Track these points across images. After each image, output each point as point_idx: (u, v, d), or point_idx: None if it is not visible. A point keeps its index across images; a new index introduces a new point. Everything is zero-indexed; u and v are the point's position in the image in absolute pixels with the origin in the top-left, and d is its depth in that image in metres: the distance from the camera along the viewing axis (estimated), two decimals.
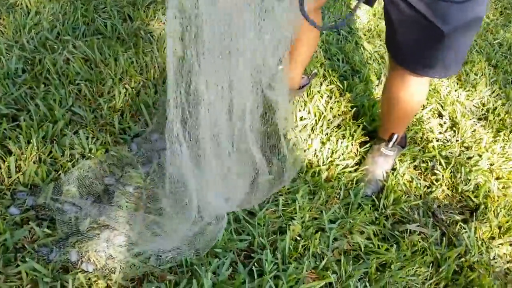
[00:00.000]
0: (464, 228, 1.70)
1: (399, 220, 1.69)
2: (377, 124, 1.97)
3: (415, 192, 1.81)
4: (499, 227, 1.75)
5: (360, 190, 1.69)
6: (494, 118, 2.27)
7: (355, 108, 2.05)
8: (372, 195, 1.73)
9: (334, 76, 2.21)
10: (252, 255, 1.40)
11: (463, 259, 1.58)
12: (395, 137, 1.78)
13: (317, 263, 1.44)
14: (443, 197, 1.84)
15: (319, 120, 1.92)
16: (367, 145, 1.90)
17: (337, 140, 1.86)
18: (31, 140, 1.45)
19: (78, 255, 1.23)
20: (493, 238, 1.72)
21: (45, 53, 1.82)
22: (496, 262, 1.62)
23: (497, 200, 1.83)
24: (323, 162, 1.76)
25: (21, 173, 1.38)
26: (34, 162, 1.42)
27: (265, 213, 1.50)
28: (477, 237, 1.69)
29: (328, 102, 2.04)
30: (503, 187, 1.95)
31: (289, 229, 1.47)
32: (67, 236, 1.27)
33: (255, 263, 1.38)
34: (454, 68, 1.50)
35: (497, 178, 1.98)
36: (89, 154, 1.51)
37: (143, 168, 1.52)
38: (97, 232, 1.31)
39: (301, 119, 1.91)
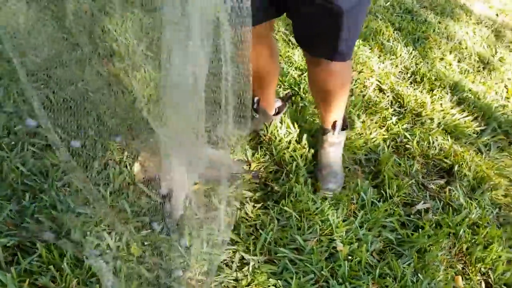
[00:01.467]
0: (453, 190, 1.94)
1: (405, 203, 1.86)
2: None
3: (401, 171, 2.00)
4: (474, 179, 2.03)
5: (368, 189, 1.82)
6: (422, 79, 2.56)
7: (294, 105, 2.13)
8: (338, 188, 1.79)
9: None
10: None
11: (467, 219, 1.82)
12: (338, 125, 1.80)
13: (373, 273, 1.55)
14: (421, 167, 2.07)
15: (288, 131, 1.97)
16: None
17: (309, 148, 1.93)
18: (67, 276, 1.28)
19: None
20: (473, 190, 2.00)
21: None
22: (488, 211, 1.90)
23: (462, 155, 2.11)
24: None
25: None
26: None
27: (312, 245, 1.55)
28: (462, 194, 1.95)
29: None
30: (456, 139, 2.25)
31: (339, 252, 1.55)
32: None
33: None
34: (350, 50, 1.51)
35: (449, 133, 2.27)
36: (124, 255, 1.38)
37: (180, 245, 1.45)
38: None
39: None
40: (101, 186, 1.54)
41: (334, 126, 1.80)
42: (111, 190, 1.54)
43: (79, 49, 2.00)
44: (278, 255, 1.50)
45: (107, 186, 1.55)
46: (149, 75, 1.97)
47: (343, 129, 1.85)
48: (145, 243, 1.43)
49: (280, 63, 2.36)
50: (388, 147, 2.09)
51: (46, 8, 2.20)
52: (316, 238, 1.59)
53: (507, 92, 2.75)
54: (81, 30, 2.12)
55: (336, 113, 1.78)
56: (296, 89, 2.23)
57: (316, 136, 1.92)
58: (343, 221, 1.68)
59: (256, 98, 1.85)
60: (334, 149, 1.85)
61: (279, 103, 1.98)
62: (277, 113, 1.96)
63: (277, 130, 1.94)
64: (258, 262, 1.48)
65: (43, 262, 1.30)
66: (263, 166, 1.81)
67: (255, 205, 1.64)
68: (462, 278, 1.64)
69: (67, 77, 1.87)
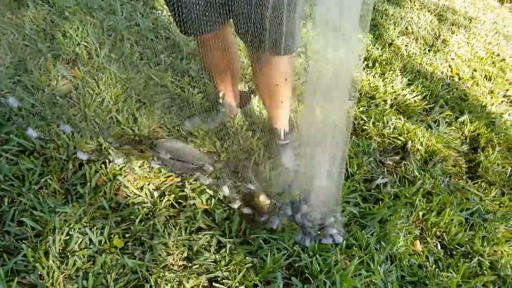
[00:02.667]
0: (407, 164, 2.11)
1: (366, 179, 2.01)
2: None
3: (360, 151, 2.14)
4: (426, 152, 2.21)
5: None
6: (374, 64, 2.72)
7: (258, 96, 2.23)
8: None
9: None
10: (296, 264, 1.57)
11: (421, 189, 1.99)
12: (282, 131, 1.90)
13: (340, 244, 1.68)
14: (378, 145, 2.23)
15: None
16: None
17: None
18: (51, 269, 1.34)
19: None
20: (426, 162, 2.18)
21: None
22: (439, 181, 2.08)
23: (414, 132, 2.28)
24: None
25: None
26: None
27: (282, 223, 1.66)
28: (416, 167, 2.12)
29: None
30: (408, 118, 2.42)
31: None
32: None
33: (304, 270, 1.56)
34: (298, 39, 1.59)
35: (401, 113, 2.44)
36: (106, 248, 1.45)
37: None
38: None
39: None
40: (78, 186, 1.60)
41: (279, 132, 1.89)
42: (88, 189, 1.60)
43: (42, 55, 2.04)
44: (252, 236, 1.61)
45: (84, 185, 1.61)
46: (115, 77, 2.03)
47: (290, 131, 1.93)
48: (126, 235, 1.51)
49: (240, 57, 2.46)
50: (347, 129, 2.23)
51: (3, 16, 2.22)
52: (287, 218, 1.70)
53: (451, 71, 2.97)
54: (42, 36, 2.15)
55: (283, 110, 1.85)
56: None
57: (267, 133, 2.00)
58: None
59: (221, 93, 1.94)
60: (283, 149, 1.94)
61: (244, 96, 2.08)
62: (243, 105, 2.06)
63: (243, 121, 2.04)
64: (235, 244, 1.58)
65: (28, 261, 1.35)
66: (232, 155, 1.91)
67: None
68: (420, 242, 1.81)
69: (33, 83, 1.90)
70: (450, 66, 3.02)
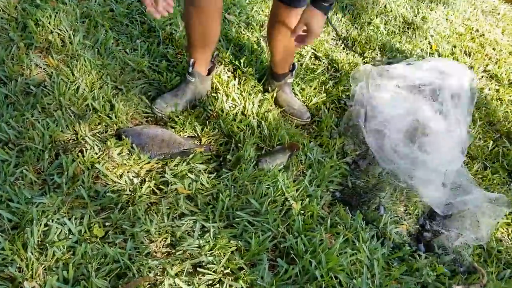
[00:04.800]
0: None
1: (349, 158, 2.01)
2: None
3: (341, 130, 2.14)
4: None
5: (313, 149, 1.94)
6: (353, 44, 2.71)
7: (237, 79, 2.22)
8: (309, 119, 2.14)
9: None
10: (281, 246, 1.56)
11: None
12: (296, 65, 2.14)
13: (324, 224, 1.67)
14: None
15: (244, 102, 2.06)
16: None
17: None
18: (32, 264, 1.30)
19: None
20: None
21: None
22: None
23: None
24: (269, 133, 1.94)
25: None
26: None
27: (267, 207, 1.65)
28: None
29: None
30: None
31: (292, 209, 1.66)
32: None
33: (289, 251, 1.55)
34: None
35: None
36: (87, 237, 1.42)
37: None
38: None
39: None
40: (55, 176, 1.56)
41: (293, 68, 2.13)
42: (65, 178, 1.56)
43: (14, 45, 1.97)
44: (236, 219, 1.59)
45: (62, 175, 1.57)
46: (90, 63, 1.98)
47: None
48: (106, 224, 1.48)
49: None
50: (328, 109, 2.22)
51: None
52: (270, 199, 1.68)
53: (431, 48, 2.97)
54: (14, 25, 2.08)
55: (292, 57, 2.11)
56: (237, 63, 2.30)
57: (269, 85, 2.19)
58: (294, 181, 1.80)
59: (192, 61, 1.91)
60: (289, 89, 2.16)
61: (210, 64, 2.04)
62: (209, 73, 2.02)
63: (223, 104, 2.01)
64: (218, 228, 1.56)
65: (6, 254, 1.31)
66: (213, 139, 1.88)
67: (210, 175, 1.72)
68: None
69: (6, 73, 1.84)
70: (429, 43, 3.02)
